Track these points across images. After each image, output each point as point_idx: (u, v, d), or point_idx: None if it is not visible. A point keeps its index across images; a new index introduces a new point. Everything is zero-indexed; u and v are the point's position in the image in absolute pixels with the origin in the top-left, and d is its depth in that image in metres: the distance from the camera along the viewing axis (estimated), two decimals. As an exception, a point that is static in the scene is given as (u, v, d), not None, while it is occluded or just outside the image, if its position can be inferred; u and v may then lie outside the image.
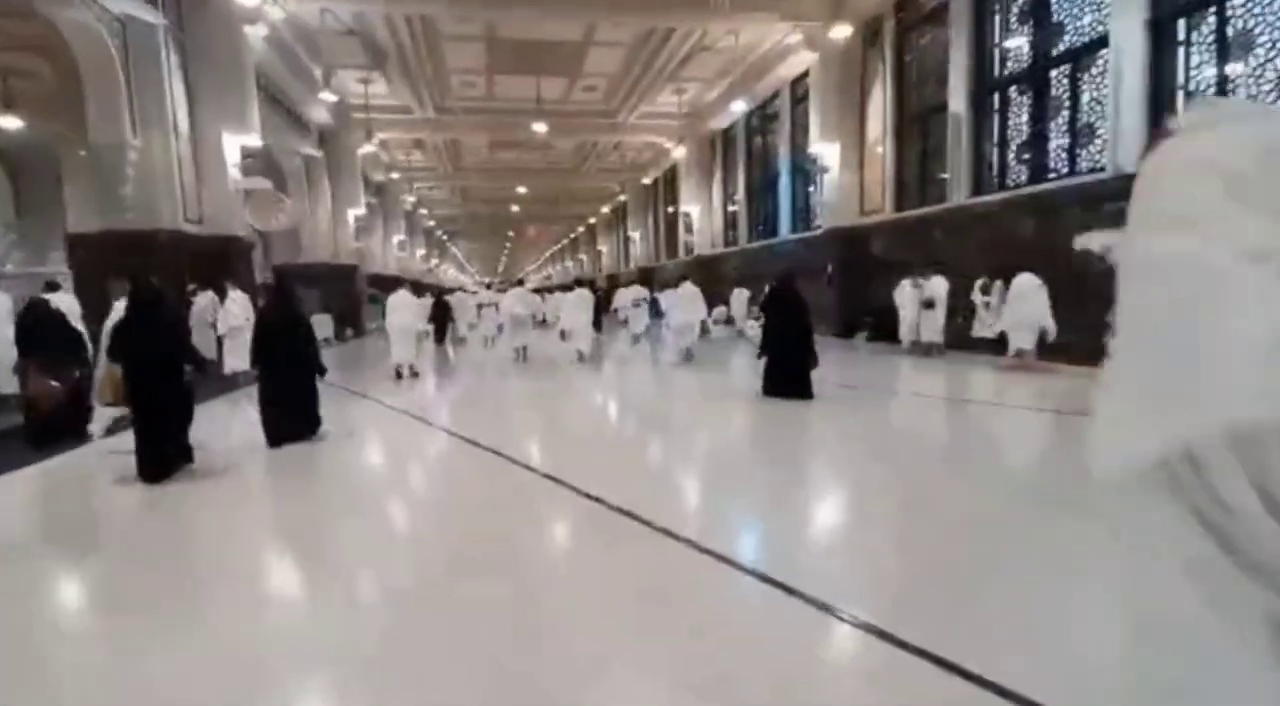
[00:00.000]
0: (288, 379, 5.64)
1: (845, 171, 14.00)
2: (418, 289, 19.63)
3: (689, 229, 24.17)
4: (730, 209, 22.25)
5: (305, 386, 5.76)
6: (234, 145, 11.52)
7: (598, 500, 3.76)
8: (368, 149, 20.20)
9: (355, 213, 20.76)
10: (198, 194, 11.20)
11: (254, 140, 11.76)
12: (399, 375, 9.74)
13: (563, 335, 12.41)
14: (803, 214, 17.12)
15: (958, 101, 11.09)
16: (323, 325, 17.74)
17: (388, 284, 26.87)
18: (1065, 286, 8.91)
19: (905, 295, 10.45)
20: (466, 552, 3.19)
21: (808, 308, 7.33)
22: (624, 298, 15.86)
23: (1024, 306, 8.65)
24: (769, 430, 6.23)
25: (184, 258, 10.58)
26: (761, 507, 3.92)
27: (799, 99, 16.88)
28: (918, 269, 10.68)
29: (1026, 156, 10.24)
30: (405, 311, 10.14)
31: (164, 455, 4.61)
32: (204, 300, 9.46)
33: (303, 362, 5.75)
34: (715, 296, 19.70)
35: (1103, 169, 8.70)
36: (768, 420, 6.56)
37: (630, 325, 15.13)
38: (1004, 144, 10.66)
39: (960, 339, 10.15)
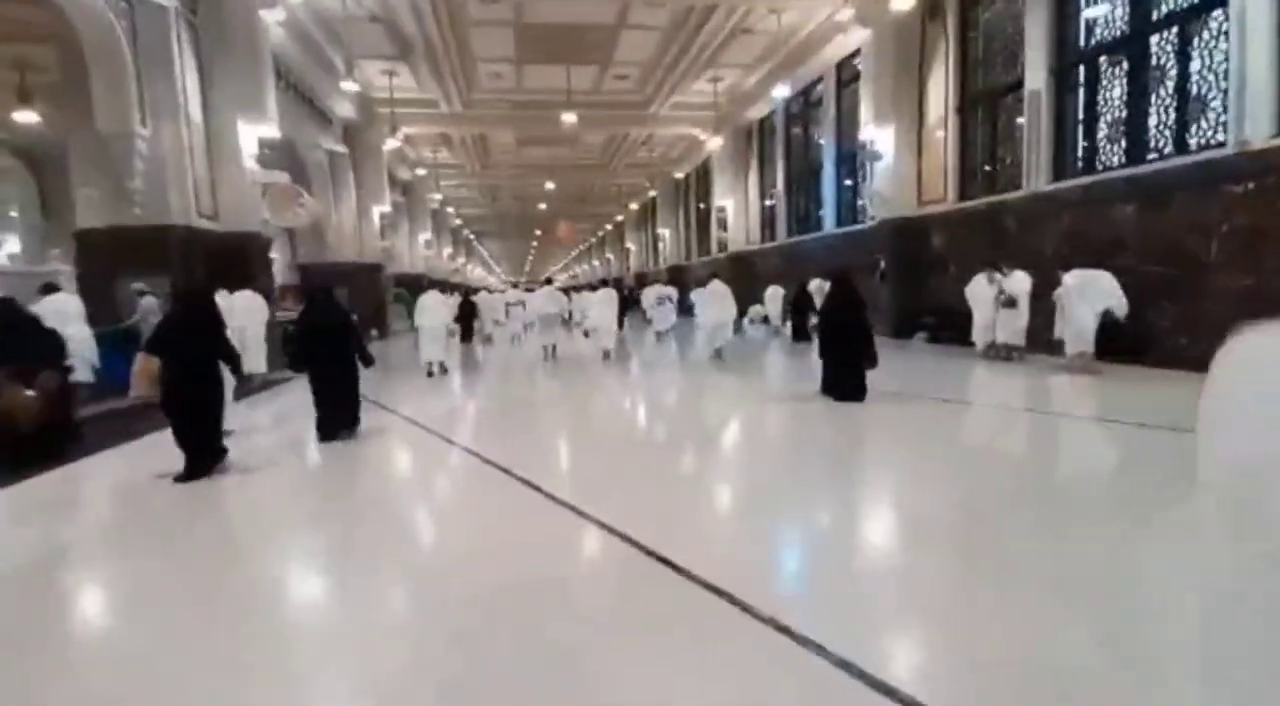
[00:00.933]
0: (332, 378, 5.78)
1: (901, 158, 12.90)
2: (444, 289, 20.13)
3: (723, 225, 23.16)
4: (767, 203, 21.21)
5: (348, 386, 5.91)
6: (250, 136, 10.87)
7: (679, 571, 2.85)
8: (393, 144, 19.57)
9: (380, 210, 20.18)
10: (212, 188, 10.57)
11: (271, 131, 11.09)
12: (430, 373, 10.13)
13: (587, 333, 12.54)
14: (849, 206, 16.01)
15: (1036, 77, 9.96)
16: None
17: (414, 283, 26.40)
18: (1177, 276, 7.81)
19: (980, 292, 9.36)
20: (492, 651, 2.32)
21: (864, 306, 6.99)
22: (649, 296, 15.89)
23: (1083, 303, 7.62)
24: (836, 449, 5.34)
25: (197, 255, 9.95)
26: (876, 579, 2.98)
27: (845, 82, 15.80)
28: (991, 263, 9.57)
29: (1121, 136, 9.08)
30: (435, 311, 10.49)
31: (200, 454, 4.68)
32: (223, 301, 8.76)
33: (347, 362, 5.88)
34: (750, 295, 18.83)
35: (1221, 144, 7.54)
36: (824, 433, 5.85)
37: (655, 323, 15.26)
38: (1092, 123, 9.50)
39: (1040, 341, 9.03)
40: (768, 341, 14.33)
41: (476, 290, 24.37)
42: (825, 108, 16.58)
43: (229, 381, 5.17)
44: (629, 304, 17.24)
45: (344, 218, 18.80)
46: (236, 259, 10.59)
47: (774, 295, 16.08)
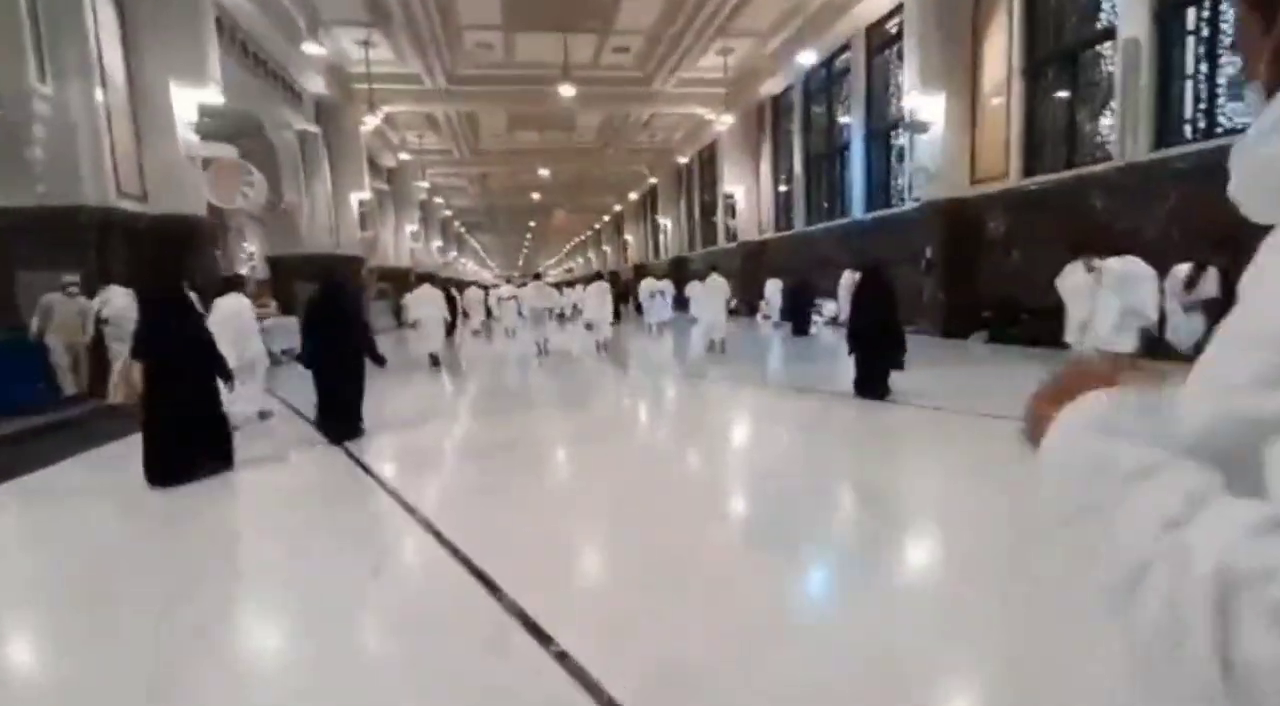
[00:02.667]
0: (338, 377, 5.50)
1: (951, 131, 11.20)
2: (434, 282, 18.91)
3: (732, 213, 21.44)
4: (782, 189, 19.49)
5: (355, 386, 5.62)
6: (187, 102, 9.10)
7: None
8: (371, 122, 17.72)
9: (359, 197, 18.35)
10: (138, 161, 8.79)
11: (213, 96, 9.32)
12: (434, 362, 10.41)
13: (588, 326, 13.00)
14: (881, 189, 14.30)
15: (1134, 23, 8.26)
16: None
17: (400, 277, 24.56)
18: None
19: (1076, 283, 7.65)
20: None
21: (896, 302, 6.59)
22: (643, 290, 16.13)
23: (1127, 295, 6.05)
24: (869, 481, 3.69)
25: (117, 242, 8.17)
26: None
27: (878, 48, 14.07)
28: (1081, 249, 7.88)
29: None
30: (431, 304, 10.68)
31: (176, 457, 4.42)
32: (122, 299, 7.00)
33: (355, 360, 5.58)
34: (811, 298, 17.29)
35: None
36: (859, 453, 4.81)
37: (646, 315, 15.78)
38: (1211, 76, 7.81)
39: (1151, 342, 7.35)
40: (770, 335, 14.28)
41: (462, 286, 22.66)
42: (853, 78, 14.84)
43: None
44: (624, 297, 18.25)
45: (318, 205, 16.96)
46: (172, 247, 8.82)
47: (774, 288, 15.78)
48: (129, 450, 4.80)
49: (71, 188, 7.80)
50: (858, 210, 14.71)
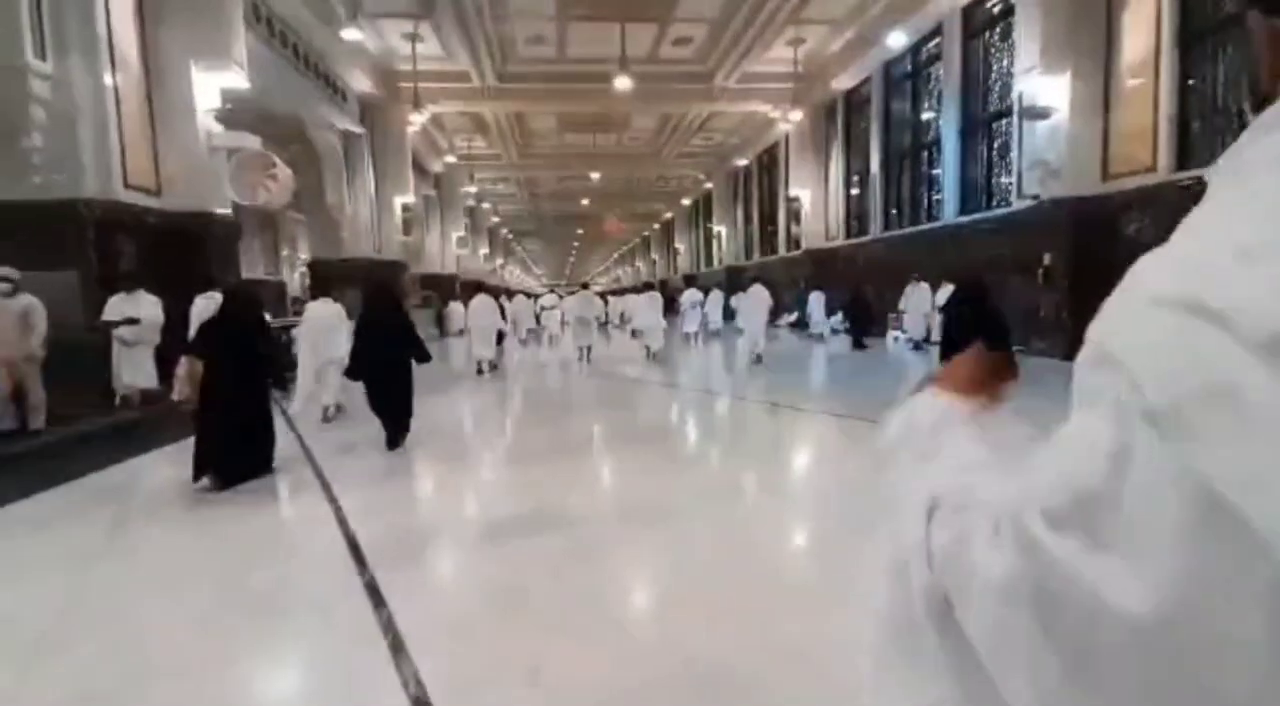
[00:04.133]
0: (388, 384, 5.40)
1: (1078, 117, 9.50)
2: (492, 293, 19.50)
3: (796, 218, 19.88)
4: (853, 192, 17.85)
5: (404, 393, 5.49)
6: (209, 86, 8.16)
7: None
8: (418, 121, 16.86)
9: (403, 200, 17.50)
10: (153, 152, 7.87)
11: (238, 79, 8.36)
12: (480, 371, 10.75)
13: (635, 334, 13.51)
14: (980, 188, 12.56)
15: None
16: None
17: (445, 285, 23.79)
18: None
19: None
20: None
21: (1000, 319, 6.09)
22: (684, 299, 16.67)
23: None
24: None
25: (122, 240, 7.23)
26: None
27: (977, 28, 12.40)
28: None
29: None
30: (486, 314, 11.14)
31: (230, 459, 4.41)
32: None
33: (404, 367, 5.47)
34: (837, 299, 15.87)
35: None
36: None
37: (683, 324, 16.41)
38: None
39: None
40: (818, 348, 14.24)
41: (512, 294, 21.79)
42: (945, 65, 13.17)
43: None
44: (669, 307, 18.22)
45: (360, 208, 16.18)
46: (186, 248, 7.86)
47: (817, 301, 15.82)
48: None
49: (72, 179, 6.88)
50: (949, 212, 12.99)
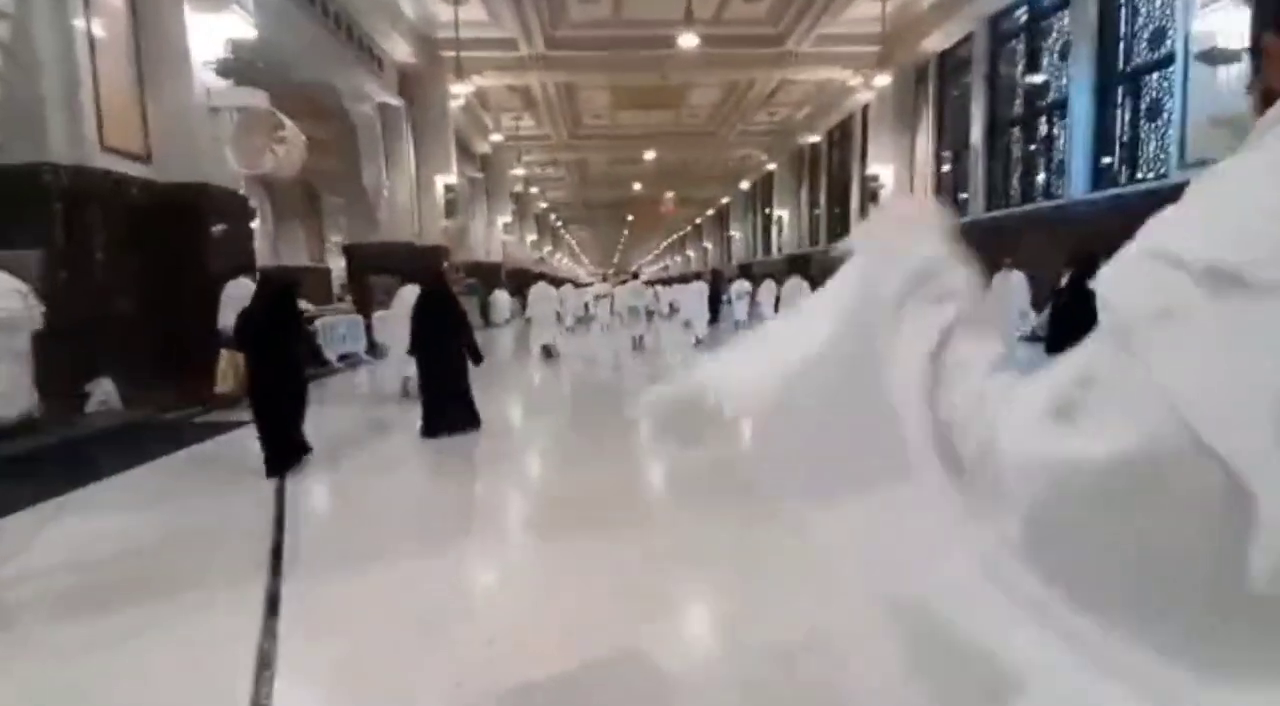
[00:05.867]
0: (443, 374, 5.48)
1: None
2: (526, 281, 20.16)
3: (874, 198, 17.85)
4: (944, 168, 15.74)
5: (460, 378, 5.56)
6: (207, 31, 6.87)
7: None
8: (461, 93, 15.53)
9: (445, 181, 16.24)
10: (140, 110, 6.63)
11: (241, 25, 7.04)
12: (547, 354, 11.48)
13: (686, 324, 14.00)
14: (1125, 157, 10.40)
15: None
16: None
17: (489, 273, 22.59)
18: None
19: None
20: None
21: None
22: (732, 290, 16.84)
23: None
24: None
25: (94, 214, 6.01)
26: None
27: (1121, -34, 10.23)
28: None
29: None
30: (546, 302, 11.94)
31: (288, 447, 4.50)
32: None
33: (457, 352, 5.54)
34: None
35: None
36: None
37: (733, 313, 16.56)
38: None
39: None
40: None
41: (560, 283, 20.58)
42: (1076, 11, 11.00)
43: None
44: (718, 298, 18.38)
45: (399, 188, 14.96)
46: (180, 226, 6.62)
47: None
48: None
49: (35, 141, 5.67)
50: (1078, 186, 10.87)
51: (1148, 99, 9.89)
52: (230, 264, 6.89)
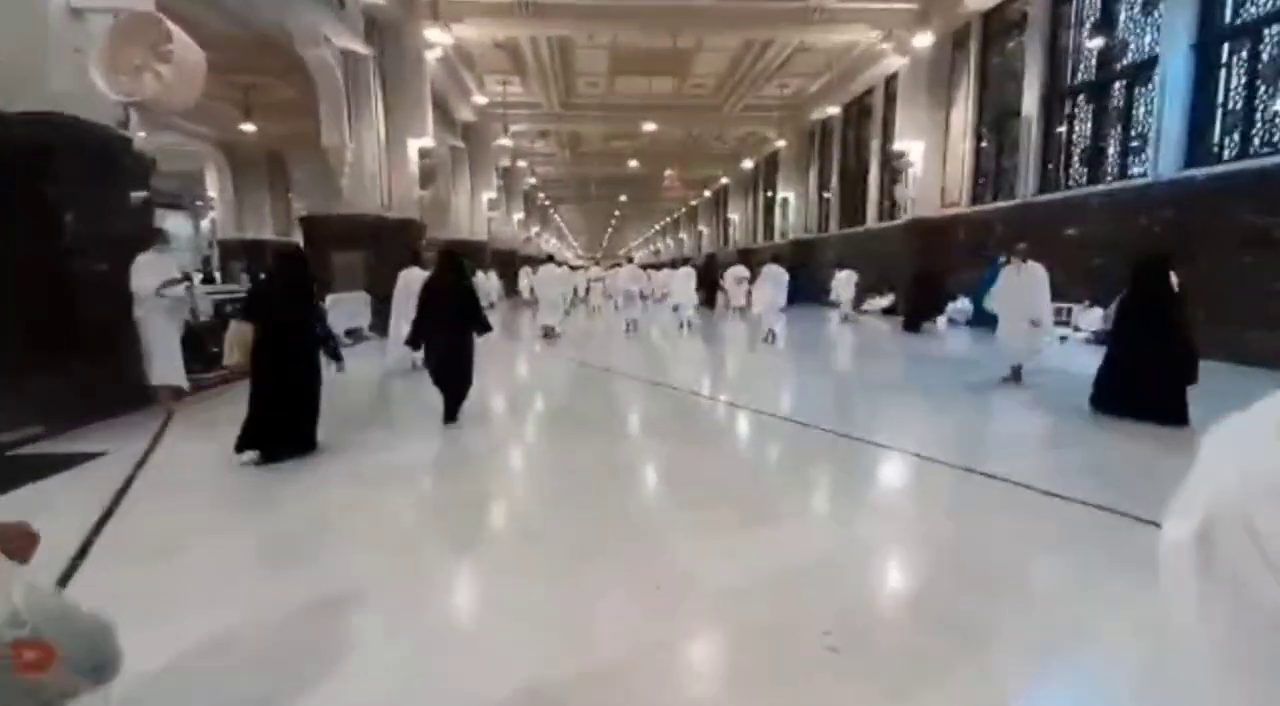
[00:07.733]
0: (450, 356, 5.31)
1: None
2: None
3: (897, 177, 16.14)
4: (984, 145, 14.03)
5: (462, 364, 5.38)
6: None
7: None
8: (439, 43, 13.53)
9: (420, 145, 14.25)
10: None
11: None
12: (547, 334, 11.73)
13: (675, 308, 13.85)
14: (1232, 129, 8.69)
15: None
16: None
17: (473, 253, 20.56)
18: None
19: None
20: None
21: (1182, 302, 5.20)
22: (729, 277, 15.88)
23: None
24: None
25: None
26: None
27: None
28: None
29: None
30: (553, 284, 12.43)
31: (278, 432, 4.16)
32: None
33: (465, 337, 5.35)
34: (938, 291, 13.31)
35: None
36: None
37: (732, 301, 15.98)
38: None
39: None
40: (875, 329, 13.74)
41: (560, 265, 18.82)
42: (1169, -46, 9.25)
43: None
44: (715, 285, 18.14)
45: (365, 151, 12.97)
46: (18, 177, 4.74)
47: (846, 279, 14.90)
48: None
49: None
50: (1167, 164, 9.18)
51: (1266, 60, 8.20)
52: (116, 232, 5.02)
